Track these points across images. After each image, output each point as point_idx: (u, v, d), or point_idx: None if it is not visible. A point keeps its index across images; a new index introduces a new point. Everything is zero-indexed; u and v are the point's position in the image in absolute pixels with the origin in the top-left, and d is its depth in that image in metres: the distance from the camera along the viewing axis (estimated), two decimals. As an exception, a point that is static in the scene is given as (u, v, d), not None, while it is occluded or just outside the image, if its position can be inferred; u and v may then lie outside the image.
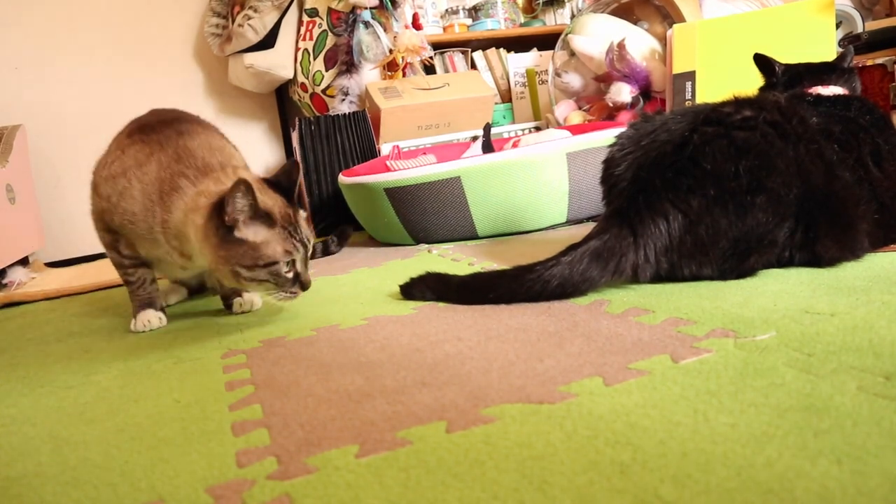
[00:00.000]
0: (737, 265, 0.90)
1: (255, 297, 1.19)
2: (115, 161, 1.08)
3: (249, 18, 2.43)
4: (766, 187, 0.87)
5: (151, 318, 1.17)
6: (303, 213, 1.05)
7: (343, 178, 1.75)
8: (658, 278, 0.94)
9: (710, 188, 0.87)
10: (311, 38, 2.47)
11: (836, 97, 1.05)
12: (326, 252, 1.77)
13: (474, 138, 2.22)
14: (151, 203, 1.03)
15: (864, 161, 0.94)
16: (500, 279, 0.97)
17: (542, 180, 1.52)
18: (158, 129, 1.09)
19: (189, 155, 1.04)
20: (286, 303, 1.01)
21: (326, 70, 2.44)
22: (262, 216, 0.96)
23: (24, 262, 2.06)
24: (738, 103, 0.96)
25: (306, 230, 1.03)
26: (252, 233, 0.96)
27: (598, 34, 2.22)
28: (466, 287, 1.00)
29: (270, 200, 0.99)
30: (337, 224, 1.91)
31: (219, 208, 0.95)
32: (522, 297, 0.95)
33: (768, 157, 0.88)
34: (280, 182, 1.04)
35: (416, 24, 2.52)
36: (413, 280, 1.07)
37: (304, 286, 1.01)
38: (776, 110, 0.93)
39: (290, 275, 0.99)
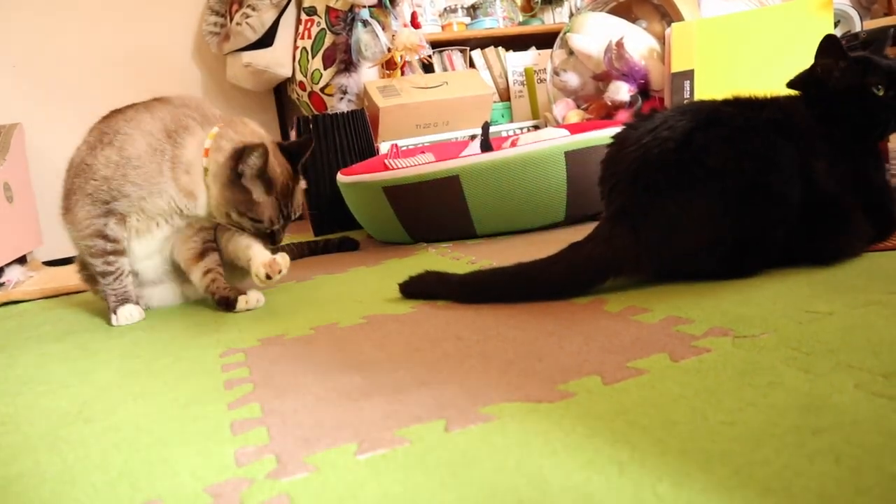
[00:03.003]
0: (737, 264, 0.90)
1: (259, 296, 1.19)
2: (100, 135, 1.17)
3: (248, 17, 2.43)
4: (769, 187, 0.87)
5: (133, 312, 1.20)
6: (302, 184, 1.22)
7: (341, 177, 1.74)
8: (658, 277, 0.94)
9: (714, 187, 0.87)
10: (309, 37, 2.46)
11: None
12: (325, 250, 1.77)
13: (473, 137, 2.21)
14: (158, 142, 1.14)
15: (864, 161, 0.95)
16: (500, 278, 0.97)
17: (540, 179, 1.52)
18: (133, 105, 1.21)
19: (184, 105, 1.19)
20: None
21: (325, 68, 2.44)
22: (266, 180, 1.12)
23: (21, 260, 2.06)
24: (740, 102, 0.96)
25: (299, 201, 1.22)
26: (253, 189, 1.12)
27: (596, 33, 2.22)
28: (466, 286, 1.00)
29: (279, 167, 1.16)
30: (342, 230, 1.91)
31: (237, 156, 1.10)
32: (522, 296, 0.95)
33: (771, 156, 0.88)
34: (291, 150, 1.21)
35: (415, 23, 2.51)
36: (412, 279, 1.07)
37: (276, 244, 1.21)
38: (778, 109, 0.93)
39: (268, 233, 1.18)
